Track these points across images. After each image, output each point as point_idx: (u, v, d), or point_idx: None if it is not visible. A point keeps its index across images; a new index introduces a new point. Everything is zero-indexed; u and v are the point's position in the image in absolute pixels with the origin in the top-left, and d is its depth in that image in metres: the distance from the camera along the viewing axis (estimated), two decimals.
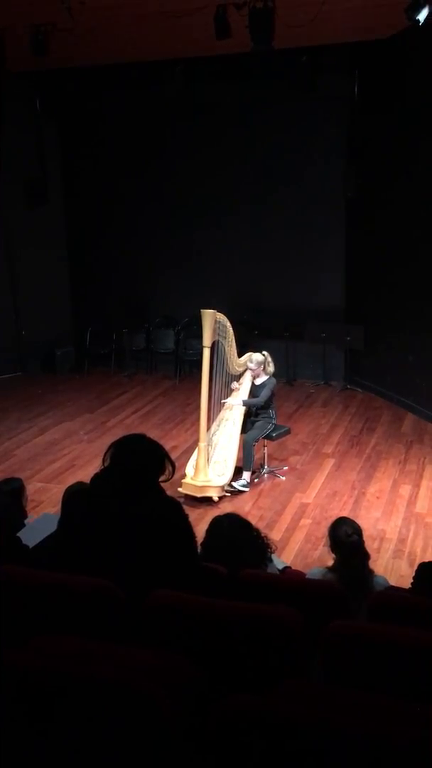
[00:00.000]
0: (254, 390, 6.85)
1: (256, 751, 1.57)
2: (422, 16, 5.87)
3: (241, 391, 6.86)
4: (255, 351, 6.93)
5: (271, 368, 6.90)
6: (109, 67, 8.86)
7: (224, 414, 6.91)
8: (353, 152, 9.01)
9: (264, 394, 6.75)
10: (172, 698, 1.61)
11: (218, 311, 6.46)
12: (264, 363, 6.83)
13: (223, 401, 6.83)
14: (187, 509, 2.69)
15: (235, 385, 6.86)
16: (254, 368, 6.80)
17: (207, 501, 6.36)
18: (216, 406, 6.86)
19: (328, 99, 8.89)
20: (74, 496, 3.16)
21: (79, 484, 3.69)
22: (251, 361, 6.80)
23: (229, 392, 6.87)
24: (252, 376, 6.88)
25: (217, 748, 1.60)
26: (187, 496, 6.36)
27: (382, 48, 7.97)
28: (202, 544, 3.10)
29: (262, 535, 3.35)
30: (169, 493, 2.72)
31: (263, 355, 6.86)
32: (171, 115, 9.64)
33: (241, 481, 6.64)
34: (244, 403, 6.77)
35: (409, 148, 8.00)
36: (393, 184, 8.36)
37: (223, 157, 9.71)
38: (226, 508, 6.16)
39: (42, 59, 7.12)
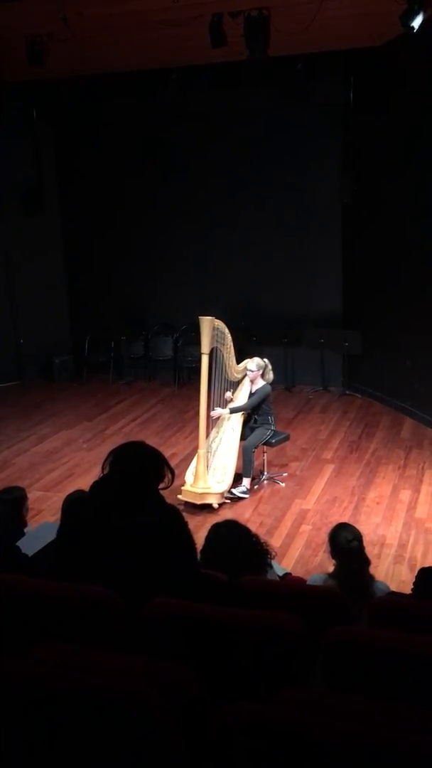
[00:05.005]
0: (251, 395, 6.83)
1: (255, 760, 1.56)
2: (417, 22, 5.87)
3: (240, 396, 6.85)
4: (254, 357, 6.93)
5: (270, 376, 6.88)
6: (105, 76, 8.89)
7: (223, 421, 6.90)
8: (349, 158, 9.04)
9: (251, 402, 6.73)
10: (172, 707, 1.61)
11: (216, 318, 6.47)
12: (264, 368, 6.82)
13: (213, 412, 6.73)
14: (186, 516, 2.69)
15: (228, 395, 6.84)
16: (254, 370, 6.76)
17: (207, 508, 6.36)
18: None
19: (324, 106, 8.94)
20: (74, 504, 3.16)
21: (79, 492, 3.69)
22: (251, 363, 6.79)
23: (225, 400, 6.87)
24: (250, 380, 6.86)
25: (217, 757, 1.59)
26: (186, 504, 6.36)
27: (377, 55, 8.01)
28: (201, 551, 3.09)
29: (262, 541, 3.34)
30: (168, 500, 2.72)
31: (264, 361, 6.85)
32: (167, 123, 9.67)
33: (241, 488, 6.63)
34: (232, 411, 6.74)
35: (405, 154, 8.03)
36: (389, 189, 8.39)
37: (219, 165, 9.74)
38: (226, 515, 6.16)
39: (39, 69, 7.14)
